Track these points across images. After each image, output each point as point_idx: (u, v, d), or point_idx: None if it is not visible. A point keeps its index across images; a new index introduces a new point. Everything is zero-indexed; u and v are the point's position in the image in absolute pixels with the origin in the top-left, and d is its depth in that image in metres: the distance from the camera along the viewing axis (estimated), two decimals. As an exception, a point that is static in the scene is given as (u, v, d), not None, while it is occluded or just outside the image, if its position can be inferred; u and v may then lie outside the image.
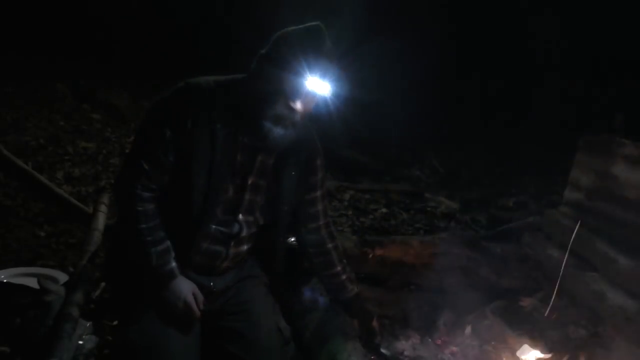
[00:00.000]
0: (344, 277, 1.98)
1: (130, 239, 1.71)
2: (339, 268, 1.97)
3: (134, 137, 1.83)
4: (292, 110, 1.60)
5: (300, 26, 1.62)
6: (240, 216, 1.75)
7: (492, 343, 2.60)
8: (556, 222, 3.34)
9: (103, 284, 2.49)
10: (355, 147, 6.18)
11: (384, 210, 4.69)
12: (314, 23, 1.62)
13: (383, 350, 2.41)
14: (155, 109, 1.70)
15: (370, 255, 2.99)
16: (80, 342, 1.93)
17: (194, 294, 1.70)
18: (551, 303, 2.82)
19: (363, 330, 2.02)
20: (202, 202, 1.66)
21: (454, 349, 2.57)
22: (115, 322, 2.24)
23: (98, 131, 5.67)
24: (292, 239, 2.50)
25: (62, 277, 2.44)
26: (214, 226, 1.72)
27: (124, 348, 1.67)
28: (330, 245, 1.98)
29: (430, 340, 2.60)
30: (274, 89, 1.58)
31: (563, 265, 2.89)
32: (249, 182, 1.74)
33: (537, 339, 2.58)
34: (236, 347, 1.77)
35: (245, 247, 1.83)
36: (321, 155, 1.89)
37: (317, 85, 1.58)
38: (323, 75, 1.58)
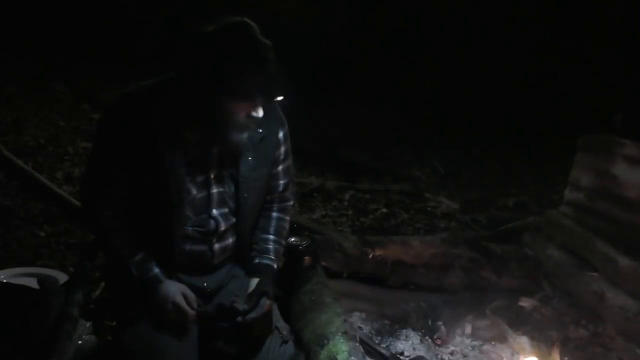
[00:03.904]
0: (270, 245, 1.87)
1: (108, 256, 1.73)
2: (271, 236, 1.88)
3: (88, 157, 1.83)
4: (233, 113, 1.56)
5: (228, 24, 1.54)
6: (214, 211, 1.73)
7: (492, 343, 2.61)
8: (556, 222, 3.34)
9: (103, 284, 2.49)
10: (355, 147, 6.18)
11: (384, 210, 4.68)
12: (239, 20, 1.55)
13: (383, 351, 2.42)
14: (97, 129, 1.73)
15: (370, 255, 2.99)
16: (80, 342, 1.93)
17: (184, 294, 1.68)
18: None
19: (246, 298, 1.74)
20: (167, 208, 1.65)
21: (454, 349, 2.57)
22: (115, 323, 2.24)
23: (98, 131, 5.66)
24: (293, 239, 2.50)
25: (62, 277, 2.43)
26: (189, 228, 1.71)
27: (120, 352, 1.68)
28: (274, 214, 1.91)
29: (430, 340, 2.60)
30: (207, 95, 1.54)
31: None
32: (212, 176, 1.71)
33: (537, 339, 2.58)
34: (234, 347, 1.76)
35: (230, 240, 1.80)
36: (284, 127, 1.82)
37: (259, 87, 1.52)
38: (263, 75, 1.52)
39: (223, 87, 1.52)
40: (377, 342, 2.52)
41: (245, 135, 1.63)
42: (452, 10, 7.97)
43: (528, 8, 7.69)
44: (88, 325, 2.02)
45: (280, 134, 1.82)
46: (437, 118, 7.22)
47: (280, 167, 1.87)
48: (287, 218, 1.96)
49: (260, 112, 1.59)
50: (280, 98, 1.62)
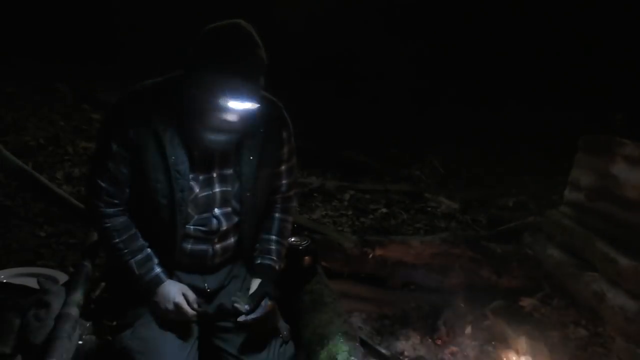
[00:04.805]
0: (272, 246, 1.86)
1: (110, 255, 1.73)
2: (273, 236, 1.88)
3: (91, 155, 1.83)
4: (225, 119, 1.55)
5: (224, 26, 1.56)
6: (217, 210, 1.73)
7: (492, 343, 2.61)
8: (556, 222, 3.34)
9: (103, 284, 2.49)
10: (355, 147, 6.18)
11: (384, 210, 4.68)
12: (235, 21, 1.57)
13: (383, 351, 2.42)
14: (101, 126, 1.74)
15: (370, 255, 3.00)
16: (80, 342, 1.92)
17: (184, 295, 1.69)
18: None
19: (248, 299, 1.73)
20: (170, 206, 1.65)
21: (454, 349, 2.57)
22: (115, 323, 2.24)
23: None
24: (293, 239, 2.50)
25: (62, 277, 2.43)
26: (191, 227, 1.71)
27: (120, 353, 1.68)
28: (277, 215, 1.91)
29: (430, 340, 2.60)
30: (200, 98, 1.54)
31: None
32: (215, 175, 1.72)
33: (537, 339, 2.58)
34: (234, 347, 1.77)
35: (232, 240, 1.81)
36: (288, 127, 1.82)
37: (246, 92, 1.52)
38: (252, 80, 1.53)
39: (199, 86, 1.53)
40: (377, 342, 2.52)
41: (222, 138, 1.60)
42: (452, 9, 7.98)
43: (528, 9, 7.70)
44: (88, 325, 2.01)
45: (284, 134, 1.82)
46: (437, 117, 7.23)
47: (283, 167, 1.86)
48: (290, 219, 1.96)
49: (233, 117, 1.56)
50: (255, 105, 1.57)
